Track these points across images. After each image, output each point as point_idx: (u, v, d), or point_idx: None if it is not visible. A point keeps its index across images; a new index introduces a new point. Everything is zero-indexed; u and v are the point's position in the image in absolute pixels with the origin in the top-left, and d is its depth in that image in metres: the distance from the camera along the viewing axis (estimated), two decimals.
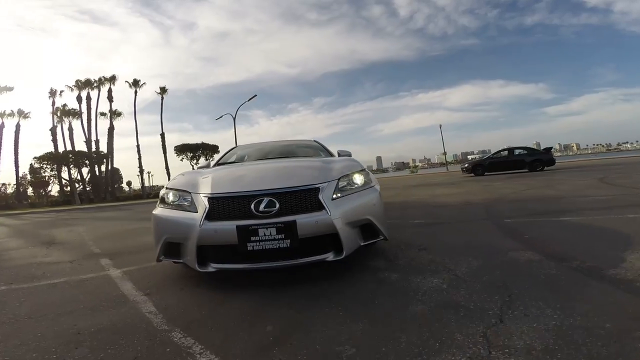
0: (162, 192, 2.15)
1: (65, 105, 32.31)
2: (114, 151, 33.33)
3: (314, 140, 3.92)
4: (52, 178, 27.82)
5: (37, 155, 27.94)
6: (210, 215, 1.76)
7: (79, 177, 30.89)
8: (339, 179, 1.97)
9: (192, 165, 30.45)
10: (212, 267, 1.77)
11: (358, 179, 2.10)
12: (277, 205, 1.73)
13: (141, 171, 33.95)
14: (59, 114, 31.95)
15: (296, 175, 2.02)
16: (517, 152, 15.17)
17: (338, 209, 1.79)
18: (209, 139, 30.92)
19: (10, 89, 31.49)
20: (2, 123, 33.49)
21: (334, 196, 1.86)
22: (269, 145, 3.96)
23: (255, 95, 24.36)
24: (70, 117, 32.12)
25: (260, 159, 3.27)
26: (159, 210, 2.03)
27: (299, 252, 1.73)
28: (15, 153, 32.03)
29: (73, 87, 31.96)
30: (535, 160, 14.27)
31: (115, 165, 36.17)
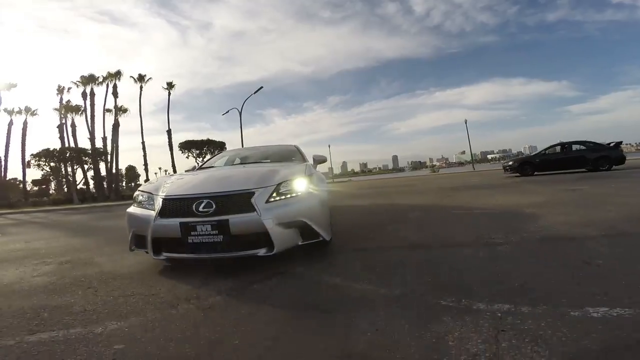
0: (135, 193, 2.55)
1: (69, 101, 31.30)
2: (119, 148, 32.05)
3: (294, 146, 4.38)
4: (51, 176, 26.65)
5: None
6: (162, 213, 2.15)
7: (81, 175, 29.87)
8: (277, 184, 2.25)
9: (197, 163, 28.77)
10: (164, 256, 2.17)
11: (299, 184, 2.34)
12: (214, 206, 2.06)
13: (146, 169, 32.61)
14: (62, 111, 30.92)
15: (236, 181, 2.36)
16: (574, 147, 12.34)
17: (270, 211, 2.07)
18: (226, 138, 29.03)
19: (14, 85, 30.62)
20: (11, 120, 33.04)
21: (270, 199, 2.15)
22: (249, 151, 4.55)
23: (262, 87, 22.66)
24: (73, 114, 31.05)
25: (235, 164, 3.84)
26: (131, 209, 2.45)
27: (233, 246, 2.04)
28: (22, 151, 31.30)
29: (78, 83, 30.86)
30: (601, 157, 11.45)
31: (132, 163, 35.00)
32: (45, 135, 36.02)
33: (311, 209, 2.26)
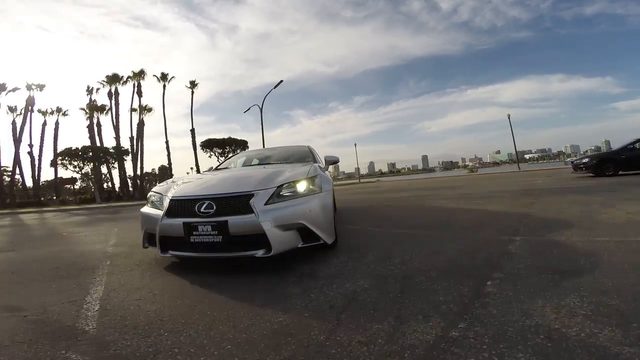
0: (148, 194, 2.71)
1: (94, 101, 31.62)
2: (144, 148, 31.92)
3: (307, 147, 4.51)
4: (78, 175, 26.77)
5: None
6: (168, 213, 2.27)
7: (106, 174, 29.96)
8: (278, 187, 2.29)
9: (218, 160, 27.76)
10: (169, 253, 2.27)
11: (300, 186, 2.38)
12: (215, 208, 2.14)
13: (170, 168, 32.24)
14: (87, 110, 31.31)
15: (237, 183, 2.45)
16: None
17: (268, 213, 2.11)
18: (254, 139, 27.64)
19: (17, 88, 31.23)
20: (45, 121, 34.15)
21: (270, 201, 2.19)
22: (263, 152, 4.89)
23: (282, 81, 20.91)
24: (99, 113, 31.33)
25: (246, 165, 4.12)
26: (144, 208, 2.59)
27: (233, 247, 2.11)
28: (54, 150, 32.15)
29: (104, 83, 31.09)
30: None
31: (163, 164, 34.89)
32: (77, 136, 36.63)
33: (312, 212, 2.28)
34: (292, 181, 2.38)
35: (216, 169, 4.04)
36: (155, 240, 2.31)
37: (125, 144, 31.09)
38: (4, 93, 30.13)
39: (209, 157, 28.65)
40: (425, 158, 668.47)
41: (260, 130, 21.19)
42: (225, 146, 28.51)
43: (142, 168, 31.67)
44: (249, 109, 24.73)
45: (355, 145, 38.58)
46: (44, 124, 33.71)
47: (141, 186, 32.51)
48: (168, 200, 2.34)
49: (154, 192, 2.64)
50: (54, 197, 29.67)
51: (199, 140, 29.07)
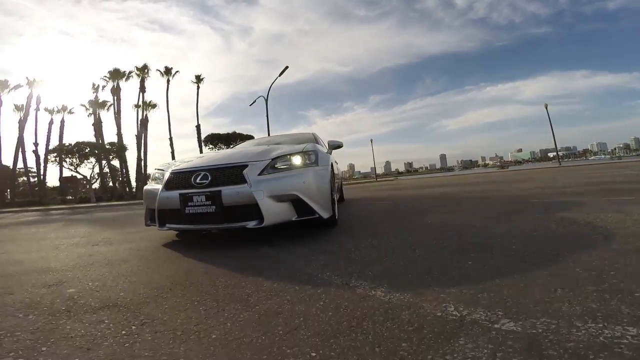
0: (152, 172, 2.83)
1: (97, 97, 30.39)
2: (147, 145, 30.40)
3: (312, 133, 4.67)
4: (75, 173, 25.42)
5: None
6: (166, 186, 2.35)
7: (104, 171, 28.58)
8: (273, 159, 2.31)
9: None
10: (167, 227, 2.34)
11: (295, 159, 2.39)
12: (209, 178, 2.22)
13: None
14: (87, 107, 30.17)
15: (234, 156, 2.49)
16: None
17: (261, 183, 2.14)
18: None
19: (20, 85, 30.33)
20: (52, 119, 33.36)
21: (264, 172, 2.22)
22: (269, 138, 4.74)
23: (287, 67, 18.72)
24: (99, 109, 30.10)
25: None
26: (147, 186, 2.66)
27: (225, 218, 2.15)
28: (59, 148, 31.25)
29: (107, 79, 29.80)
30: None
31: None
32: (85, 134, 35.63)
33: (306, 184, 2.26)
34: (287, 154, 2.42)
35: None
36: (154, 216, 2.38)
37: (132, 141, 29.78)
38: (6, 90, 29.23)
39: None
40: (443, 157, 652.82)
41: (277, 131, 18.97)
42: (230, 142, 26.45)
43: (145, 166, 30.15)
44: (255, 101, 22.64)
45: (372, 141, 35.83)
46: (51, 122, 32.94)
47: (144, 184, 30.96)
48: (167, 174, 2.42)
49: (157, 169, 2.75)
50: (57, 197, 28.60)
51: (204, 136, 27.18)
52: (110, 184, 31.44)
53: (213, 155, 2.74)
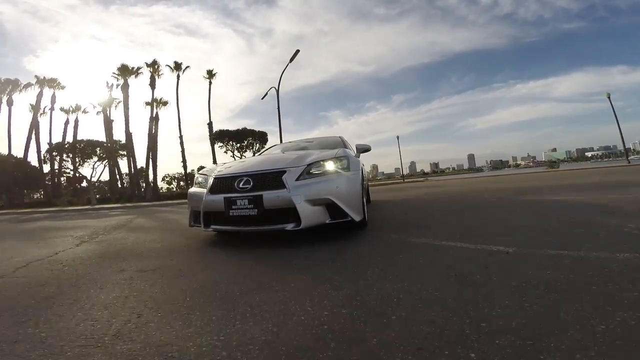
0: (195, 176, 3.05)
1: (111, 95, 29.27)
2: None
3: (339, 137, 4.54)
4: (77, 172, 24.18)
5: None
6: (211, 190, 2.53)
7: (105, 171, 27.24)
8: (308, 165, 2.46)
9: (234, 157, 23.51)
10: (211, 228, 2.51)
11: (328, 165, 2.52)
12: (251, 183, 2.38)
13: (184, 165, 28.86)
14: (96, 104, 29.16)
15: (272, 162, 2.66)
16: None
17: (299, 188, 2.28)
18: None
19: (30, 84, 29.67)
20: (67, 119, 32.87)
21: (300, 178, 2.36)
22: (298, 142, 4.64)
23: (298, 50, 16.19)
24: (108, 107, 28.98)
25: (284, 151, 3.91)
26: (191, 189, 2.86)
27: (266, 220, 2.30)
28: (73, 148, 30.60)
29: (117, 76, 28.57)
30: None
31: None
32: (99, 134, 34.76)
33: (339, 189, 2.37)
34: (321, 160, 2.55)
35: (257, 155, 4.14)
36: (199, 218, 2.56)
37: (143, 140, 28.40)
38: (17, 90, 28.77)
39: (225, 152, 24.55)
40: (471, 157, 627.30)
41: (300, 131, 16.85)
42: (240, 138, 24.19)
43: (155, 166, 28.62)
44: (267, 93, 20.16)
45: (398, 138, 32.45)
46: (66, 122, 32.43)
47: (155, 186, 29.43)
48: (212, 179, 2.59)
49: (200, 173, 2.94)
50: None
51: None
52: (119, 184, 30.18)
53: (251, 161, 2.88)
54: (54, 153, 21.99)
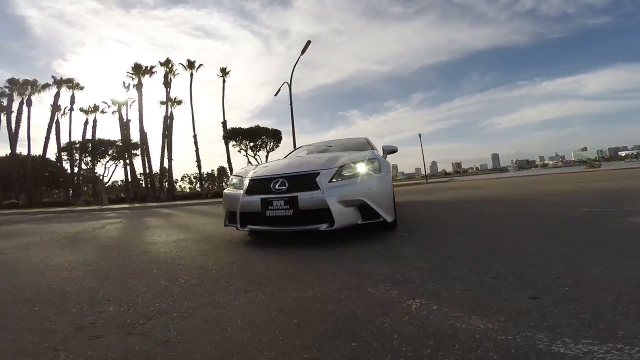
0: (230, 178, 3.19)
1: (128, 95, 29.19)
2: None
3: (365, 138, 4.47)
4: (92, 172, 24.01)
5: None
6: (248, 191, 2.58)
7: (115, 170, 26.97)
8: (340, 167, 2.50)
9: (249, 157, 22.61)
10: (248, 228, 2.55)
11: (360, 167, 2.55)
12: (287, 185, 2.42)
13: (199, 165, 28.26)
14: (110, 103, 29.11)
15: (306, 164, 2.67)
16: None
17: (332, 190, 2.32)
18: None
19: (48, 84, 29.90)
20: (87, 120, 33.22)
21: (333, 180, 2.39)
22: (324, 144, 4.66)
23: (310, 42, 15.03)
24: (122, 106, 28.90)
25: (311, 152, 4.14)
26: (226, 190, 2.94)
27: (301, 221, 2.35)
28: (92, 149, 30.80)
29: (132, 76, 28.39)
30: None
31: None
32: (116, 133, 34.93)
33: (371, 190, 2.40)
34: (352, 162, 2.58)
35: (285, 157, 4.19)
36: (235, 219, 2.60)
37: (159, 140, 28.08)
38: (36, 91, 29.16)
39: (238, 151, 23.62)
40: (495, 156, 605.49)
41: (317, 132, 16.27)
42: (254, 136, 23.17)
43: (170, 166, 28.24)
44: (279, 89, 19.08)
45: (420, 135, 30.53)
46: (86, 122, 32.77)
47: (170, 186, 29.05)
48: (248, 181, 2.66)
49: (235, 175, 3.03)
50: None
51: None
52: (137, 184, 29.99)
53: (284, 164, 2.92)
54: (62, 153, 21.64)
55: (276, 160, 3.77)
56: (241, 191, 2.61)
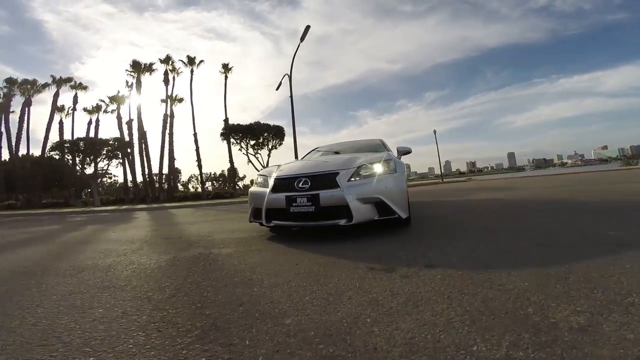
0: (255, 176, 3.39)
1: (130, 94, 28.38)
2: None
3: (379, 139, 4.70)
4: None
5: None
6: (273, 189, 2.76)
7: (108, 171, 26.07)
8: (358, 167, 2.70)
9: (248, 155, 21.32)
10: (273, 223, 2.72)
11: (377, 167, 2.76)
12: (309, 184, 2.61)
13: (199, 165, 27.17)
14: (106, 103, 28.38)
15: (326, 165, 2.89)
16: None
17: (351, 188, 2.51)
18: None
19: (48, 84, 29.54)
20: (90, 120, 32.71)
21: (352, 179, 2.59)
22: (340, 145, 4.86)
23: (309, 26, 13.98)
24: (117, 104, 28.10)
25: (327, 154, 4.42)
26: (252, 189, 3.15)
27: (322, 216, 2.52)
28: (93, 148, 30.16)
29: (132, 73, 27.55)
30: None
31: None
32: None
33: (387, 188, 2.58)
34: (369, 162, 2.79)
35: (302, 158, 4.49)
36: (260, 214, 2.80)
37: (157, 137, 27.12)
38: (37, 91, 28.71)
39: (239, 150, 22.30)
40: (511, 155, 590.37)
41: (328, 132, 15.12)
42: (254, 134, 21.77)
43: (170, 166, 27.25)
44: (280, 83, 17.65)
45: (435, 132, 28.61)
46: (89, 122, 32.25)
47: (170, 186, 28.04)
48: (273, 179, 2.84)
49: (260, 174, 3.20)
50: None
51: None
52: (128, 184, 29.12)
53: (307, 164, 3.12)
54: (53, 152, 20.82)
55: (295, 161, 4.12)
56: (267, 189, 2.81)
